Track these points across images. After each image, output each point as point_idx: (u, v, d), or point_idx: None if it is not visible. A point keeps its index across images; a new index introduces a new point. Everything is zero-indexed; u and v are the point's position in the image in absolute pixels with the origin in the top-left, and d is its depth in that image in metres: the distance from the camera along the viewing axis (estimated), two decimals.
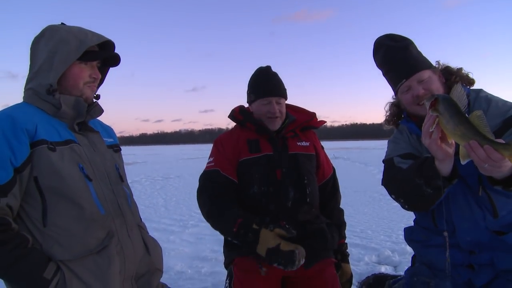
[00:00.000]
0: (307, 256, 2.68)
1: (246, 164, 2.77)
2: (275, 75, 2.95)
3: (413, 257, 2.69)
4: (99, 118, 2.29)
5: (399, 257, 4.74)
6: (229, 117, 2.99)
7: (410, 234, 2.59)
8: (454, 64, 2.45)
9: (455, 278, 2.30)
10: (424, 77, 2.27)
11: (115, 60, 2.26)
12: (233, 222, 2.54)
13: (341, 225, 3.05)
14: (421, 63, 2.31)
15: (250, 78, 2.99)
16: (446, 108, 1.71)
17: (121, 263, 1.98)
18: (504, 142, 1.65)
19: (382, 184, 2.39)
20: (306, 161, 2.85)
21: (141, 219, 2.39)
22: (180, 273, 4.53)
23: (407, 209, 2.30)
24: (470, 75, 2.42)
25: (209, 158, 2.89)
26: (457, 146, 1.81)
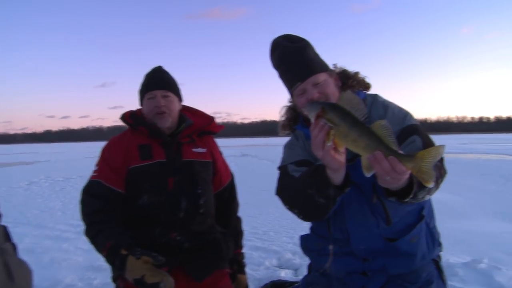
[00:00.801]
0: (200, 268, 2.57)
1: (136, 172, 2.59)
2: (162, 71, 2.81)
3: (309, 265, 2.64)
4: None
5: (299, 260, 4.72)
6: (120, 119, 2.78)
7: (305, 242, 2.54)
8: (354, 68, 2.41)
9: (350, 286, 2.28)
10: (319, 80, 2.19)
11: None
12: (103, 245, 2.37)
13: (238, 234, 3.00)
14: (317, 65, 2.24)
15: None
16: (342, 118, 1.63)
17: None
18: (409, 154, 1.62)
19: (276, 194, 2.30)
20: (202, 169, 2.73)
21: (10, 238, 2.11)
22: (70, 286, 4.19)
23: (303, 219, 2.22)
24: (367, 80, 2.40)
25: (95, 166, 2.67)
26: (350, 152, 1.75)
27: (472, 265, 4.44)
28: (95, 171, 2.64)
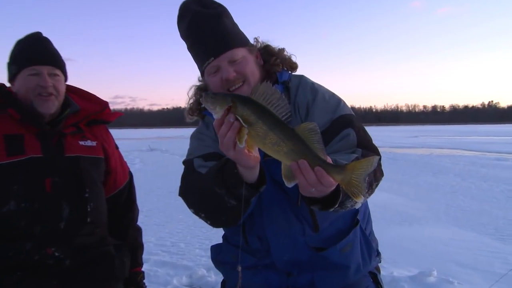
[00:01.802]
0: None
1: (0, 172, 2.44)
2: (46, 40, 2.68)
3: (223, 282, 2.65)
4: None
5: (215, 277, 4.76)
6: None
7: (217, 254, 2.55)
8: (280, 44, 2.43)
9: None
10: (237, 57, 2.20)
11: None
12: None
13: (137, 248, 2.93)
14: (236, 38, 2.24)
15: (13, 47, 2.66)
16: (259, 117, 1.62)
17: None
18: (338, 164, 1.66)
19: (179, 194, 2.29)
20: (90, 167, 2.64)
21: None
22: None
23: (212, 226, 2.23)
24: (293, 58, 2.43)
25: None
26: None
27: (420, 279, 4.62)
28: None
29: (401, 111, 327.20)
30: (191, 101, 2.50)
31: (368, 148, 2.11)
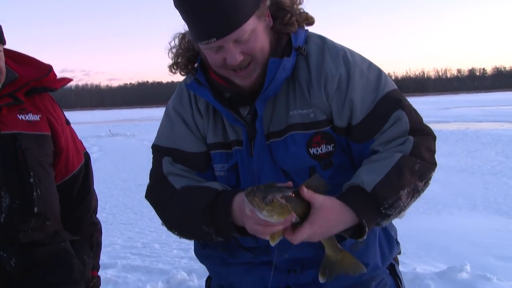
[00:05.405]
0: None
1: None
2: None
3: (208, 280, 2.66)
4: None
5: (198, 281, 4.81)
6: None
7: (202, 248, 2.53)
8: None
9: None
10: (245, 35, 2.07)
11: None
12: None
13: (93, 246, 2.92)
14: (245, 8, 2.05)
15: None
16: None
17: None
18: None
19: (146, 197, 2.36)
20: (34, 146, 2.60)
21: None
22: None
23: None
24: (306, 12, 2.32)
25: None
26: (280, 124, 2.01)
27: (449, 276, 4.65)
28: None
29: (429, 78, 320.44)
30: (177, 48, 2.40)
31: (422, 132, 2.13)
